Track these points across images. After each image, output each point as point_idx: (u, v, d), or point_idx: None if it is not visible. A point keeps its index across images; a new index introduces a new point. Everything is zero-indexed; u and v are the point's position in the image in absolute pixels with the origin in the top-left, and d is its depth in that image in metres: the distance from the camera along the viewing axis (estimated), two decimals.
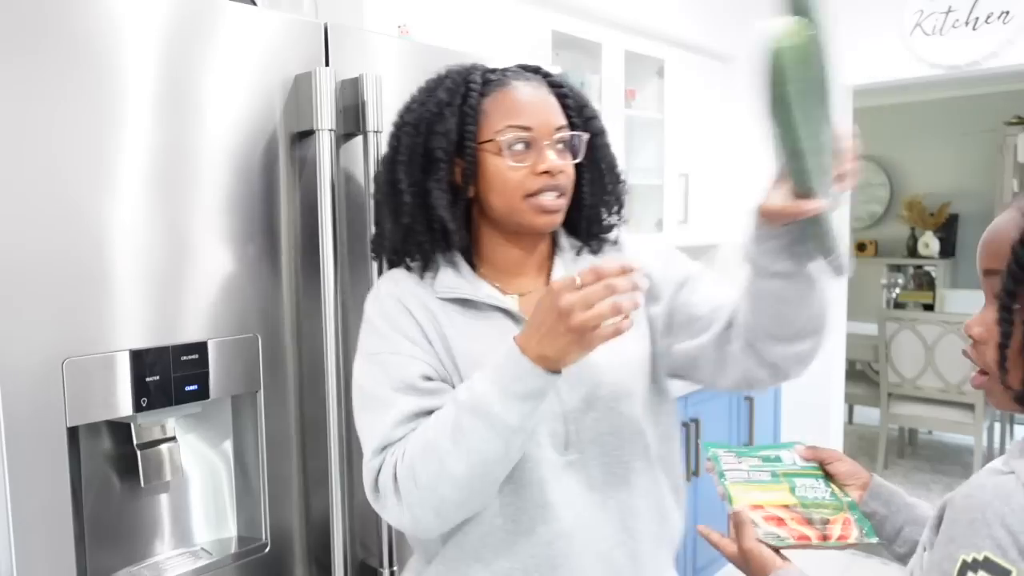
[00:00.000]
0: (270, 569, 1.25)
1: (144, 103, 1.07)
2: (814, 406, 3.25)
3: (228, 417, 1.27)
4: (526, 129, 0.98)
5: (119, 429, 1.15)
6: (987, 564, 0.54)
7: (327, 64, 1.27)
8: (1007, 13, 2.69)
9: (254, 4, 1.42)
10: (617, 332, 0.83)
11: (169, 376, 1.10)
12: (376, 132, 1.28)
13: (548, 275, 1.07)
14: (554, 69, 1.12)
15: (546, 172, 0.98)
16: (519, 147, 0.98)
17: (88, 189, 1.02)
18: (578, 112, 1.05)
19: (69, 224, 1.00)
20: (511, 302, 1.03)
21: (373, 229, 1.16)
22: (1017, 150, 4.92)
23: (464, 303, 1.01)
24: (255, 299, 1.20)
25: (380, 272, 1.28)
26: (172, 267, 1.10)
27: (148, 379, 1.08)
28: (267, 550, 1.24)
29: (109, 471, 1.16)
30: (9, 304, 0.95)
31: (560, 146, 1.01)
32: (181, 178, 1.11)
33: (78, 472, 1.05)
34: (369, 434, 0.96)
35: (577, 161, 1.03)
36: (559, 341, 0.83)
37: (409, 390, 0.95)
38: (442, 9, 2.06)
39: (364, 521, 1.36)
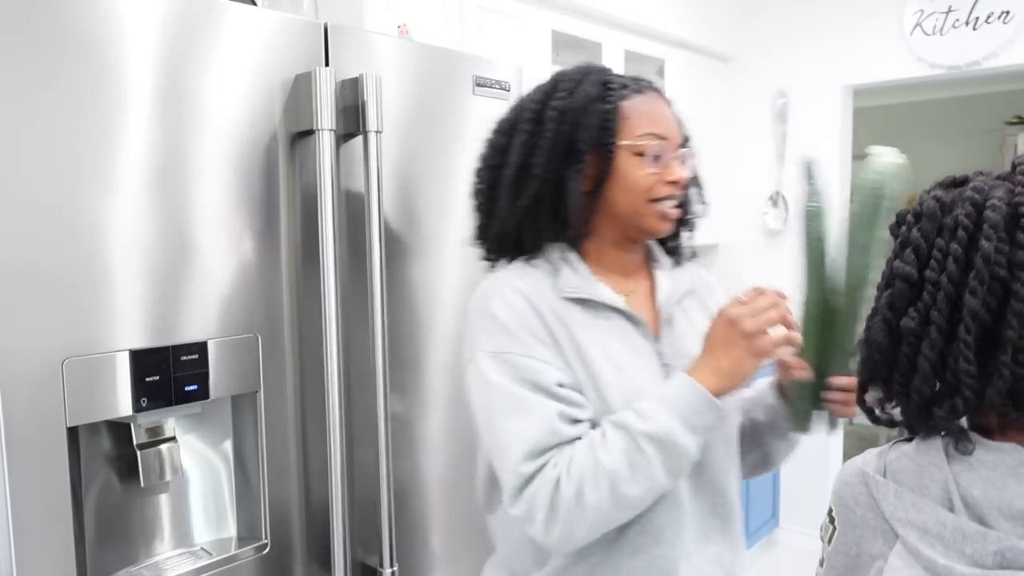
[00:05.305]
0: (270, 569, 1.25)
1: (144, 103, 1.07)
2: None
3: (228, 417, 1.27)
4: (663, 138, 1.03)
5: (119, 429, 1.15)
6: (830, 510, 0.78)
7: (327, 64, 1.27)
8: (1007, 13, 2.69)
9: (254, 4, 1.42)
10: (787, 341, 0.93)
11: (169, 376, 1.10)
12: (376, 132, 1.27)
13: (650, 280, 1.11)
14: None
15: (674, 182, 1.03)
16: (654, 154, 1.02)
17: (88, 189, 1.02)
18: (682, 130, 1.10)
19: (69, 224, 1.00)
20: (624, 303, 1.04)
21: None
22: (1017, 150, 4.92)
23: (584, 303, 1.02)
24: (255, 299, 1.20)
25: (382, 271, 1.28)
26: (172, 267, 1.10)
27: (148, 379, 1.08)
28: (267, 550, 1.24)
29: (109, 471, 1.16)
30: (9, 304, 0.95)
31: (681, 160, 1.06)
32: (181, 178, 1.11)
33: (78, 472, 1.05)
34: (514, 438, 0.94)
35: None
36: (734, 351, 0.92)
37: (548, 395, 0.95)
38: (442, 9, 2.06)
39: (364, 521, 1.36)
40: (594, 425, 0.97)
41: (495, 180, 1.06)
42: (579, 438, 0.94)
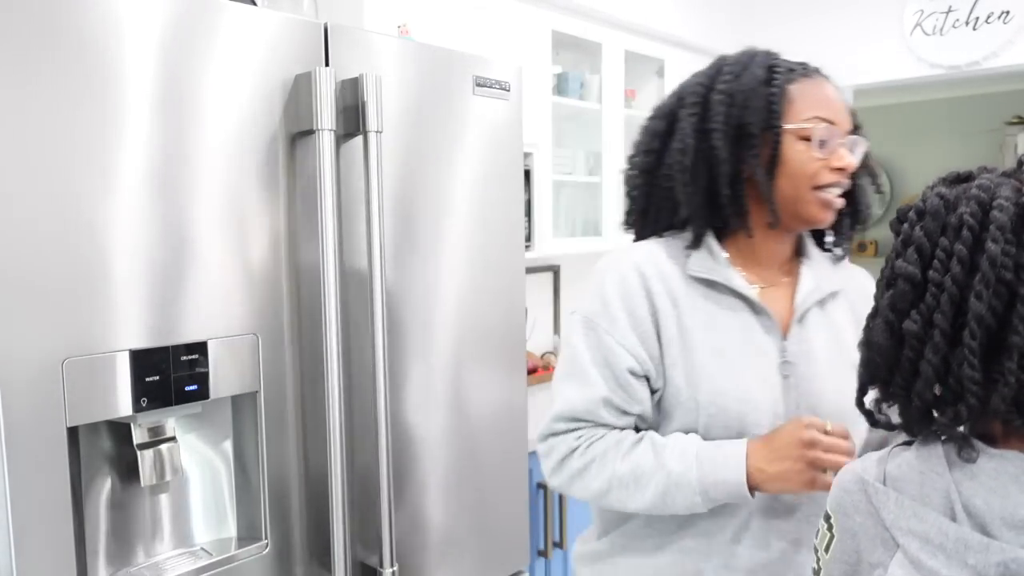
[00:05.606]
0: (270, 569, 1.25)
1: (144, 103, 1.06)
2: None
3: (228, 417, 1.27)
4: (830, 123, 0.99)
5: (119, 429, 1.15)
6: (827, 516, 0.75)
7: (327, 64, 1.27)
8: (1007, 13, 2.69)
9: (254, 4, 1.42)
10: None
11: (169, 376, 1.10)
12: (376, 132, 1.27)
13: (794, 276, 1.07)
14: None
15: (840, 168, 0.99)
16: (820, 139, 0.99)
17: (88, 189, 1.02)
18: (852, 117, 1.06)
19: (69, 224, 1.00)
20: (754, 293, 1.03)
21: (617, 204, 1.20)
22: (1017, 150, 4.92)
23: (710, 286, 1.02)
24: (255, 299, 1.20)
25: (382, 271, 1.28)
26: (172, 267, 1.10)
27: (148, 379, 1.08)
28: (267, 550, 1.24)
29: (109, 471, 1.16)
30: (9, 304, 0.95)
31: (849, 147, 1.02)
32: (181, 178, 1.11)
33: (78, 472, 1.05)
34: (562, 398, 1.04)
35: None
36: (788, 466, 0.91)
37: (611, 378, 1.01)
38: (442, 9, 2.06)
39: (364, 521, 1.36)
40: (641, 421, 1.02)
41: (651, 165, 1.05)
42: (616, 429, 1.01)
